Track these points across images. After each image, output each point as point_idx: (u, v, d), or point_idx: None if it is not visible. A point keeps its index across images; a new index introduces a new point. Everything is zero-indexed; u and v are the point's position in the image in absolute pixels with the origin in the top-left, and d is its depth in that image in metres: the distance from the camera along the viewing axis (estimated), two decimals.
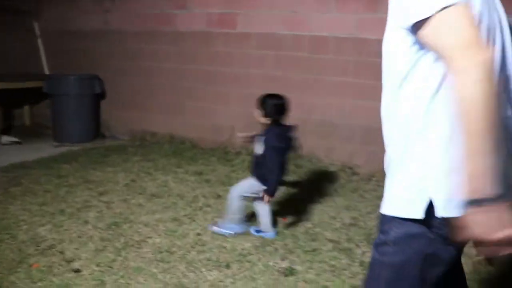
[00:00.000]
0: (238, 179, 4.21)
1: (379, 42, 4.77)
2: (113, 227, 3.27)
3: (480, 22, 1.15)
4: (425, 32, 1.13)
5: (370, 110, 4.59)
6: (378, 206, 3.80)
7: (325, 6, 4.64)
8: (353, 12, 4.55)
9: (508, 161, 1.19)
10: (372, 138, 4.59)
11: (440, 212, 1.19)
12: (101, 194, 3.88)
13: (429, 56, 1.18)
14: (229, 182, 4.17)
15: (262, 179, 3.10)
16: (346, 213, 3.67)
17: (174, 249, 3.00)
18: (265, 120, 3.13)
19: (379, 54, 4.84)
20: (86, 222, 3.33)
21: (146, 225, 3.33)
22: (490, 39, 1.20)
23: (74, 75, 5.71)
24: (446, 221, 1.18)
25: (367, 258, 2.95)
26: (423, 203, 1.21)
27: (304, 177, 4.44)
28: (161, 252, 2.94)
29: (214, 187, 4.13)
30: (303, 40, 4.79)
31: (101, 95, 6.00)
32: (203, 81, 5.37)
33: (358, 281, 2.69)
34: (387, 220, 1.31)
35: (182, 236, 3.18)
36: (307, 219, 3.54)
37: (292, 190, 4.08)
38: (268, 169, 3.06)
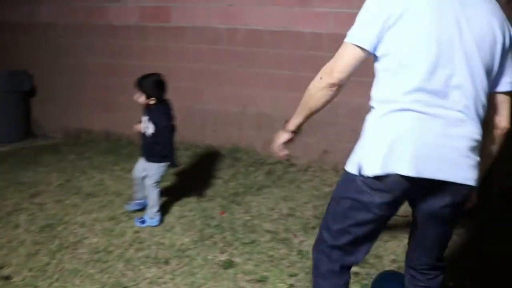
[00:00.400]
0: (175, 176, 4.22)
1: (312, 35, 4.93)
2: (47, 229, 3.17)
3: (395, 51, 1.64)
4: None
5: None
6: (315, 196, 3.96)
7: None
8: (287, 5, 4.62)
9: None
10: (309, 130, 4.68)
11: (364, 171, 1.65)
12: (33, 196, 3.74)
13: None
14: (166, 178, 4.14)
15: (158, 158, 3.21)
16: (283, 204, 3.75)
17: (111, 248, 2.96)
18: (149, 101, 3.20)
19: (312, 47, 4.98)
20: (17, 226, 3.21)
21: (82, 225, 3.25)
22: (417, 56, 1.60)
23: (0, 71, 5.43)
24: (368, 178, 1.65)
25: (304, 247, 3.05)
26: (356, 164, 1.70)
27: (242, 169, 4.49)
28: (98, 252, 2.89)
29: None
30: (238, 34, 4.82)
31: (31, 92, 5.75)
32: (137, 76, 5.26)
33: (297, 269, 2.78)
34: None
35: (120, 235, 3.14)
36: (245, 211, 3.59)
37: (230, 183, 4.12)
38: (166, 146, 3.21)
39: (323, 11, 4.52)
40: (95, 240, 3.05)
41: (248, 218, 3.47)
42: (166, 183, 4.05)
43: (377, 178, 1.63)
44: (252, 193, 3.95)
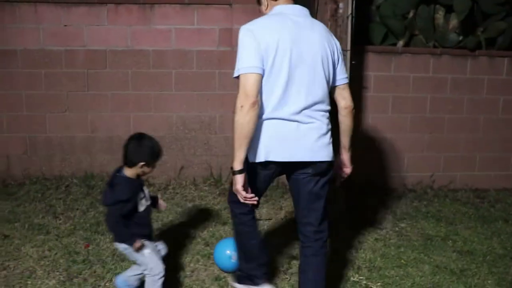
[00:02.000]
0: (26, 213, 3.84)
1: (154, 53, 4.92)
2: None
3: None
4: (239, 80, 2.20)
5: (155, 120, 4.67)
6: (180, 213, 3.96)
7: (98, 19, 4.51)
8: (127, 24, 4.54)
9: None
10: (164, 148, 4.68)
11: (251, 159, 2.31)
12: None
13: None
14: (16, 218, 3.75)
15: None
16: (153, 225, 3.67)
17: None
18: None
19: (156, 65, 4.99)
20: None
21: None
22: (278, 77, 2.21)
23: None
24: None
25: (182, 265, 3.03)
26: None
27: (99, 197, 4.26)
28: None
29: None
30: (77, 55, 4.57)
31: None
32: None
33: None
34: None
35: None
36: (111, 240, 3.42)
37: (89, 213, 3.89)
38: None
39: (164, 28, 4.55)
40: None
41: (114, 247, 3.32)
42: (16, 224, 3.66)
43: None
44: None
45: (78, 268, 3.01)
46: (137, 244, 2.45)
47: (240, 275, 2.77)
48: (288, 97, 2.23)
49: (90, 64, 4.59)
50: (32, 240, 3.39)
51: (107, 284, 2.84)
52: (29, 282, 2.85)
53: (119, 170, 2.58)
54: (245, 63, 2.16)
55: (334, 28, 3.52)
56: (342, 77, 2.45)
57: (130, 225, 2.48)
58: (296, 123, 2.26)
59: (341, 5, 3.51)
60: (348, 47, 3.59)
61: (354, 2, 3.58)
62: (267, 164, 2.30)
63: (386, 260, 3.18)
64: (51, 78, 4.60)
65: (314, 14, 3.58)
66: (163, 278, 2.50)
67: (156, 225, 3.69)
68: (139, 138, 2.55)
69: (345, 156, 2.63)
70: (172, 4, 4.54)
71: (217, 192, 4.47)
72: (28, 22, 4.51)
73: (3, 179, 4.54)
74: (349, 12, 3.55)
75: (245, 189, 2.26)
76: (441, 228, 3.76)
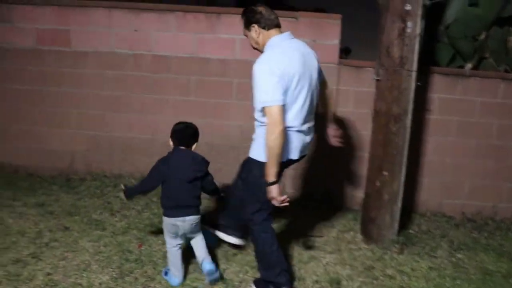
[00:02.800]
0: (85, 208, 4.00)
1: (218, 61, 5.00)
2: None
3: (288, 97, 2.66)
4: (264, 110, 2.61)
5: (214, 127, 4.75)
6: None
7: (166, 25, 4.66)
8: (194, 31, 4.65)
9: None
10: (216, 154, 4.75)
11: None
12: None
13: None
14: (76, 211, 3.92)
15: None
16: None
17: None
18: None
19: (219, 73, 5.07)
20: None
21: None
22: (297, 98, 2.71)
23: None
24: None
25: (228, 275, 3.07)
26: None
27: (154, 199, 4.37)
28: None
29: (59, 218, 3.81)
30: (144, 59, 4.73)
31: None
32: (33, 103, 4.93)
33: None
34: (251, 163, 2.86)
35: (28, 279, 2.89)
36: (163, 242, 3.49)
37: (144, 213, 3.99)
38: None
39: (229, 38, 4.62)
40: None
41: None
42: (76, 217, 3.83)
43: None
44: None
45: (130, 266, 3.10)
46: None
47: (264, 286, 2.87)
48: (304, 114, 2.77)
49: (155, 69, 4.74)
50: (90, 234, 3.53)
51: (156, 286, 2.90)
52: (84, 275, 2.96)
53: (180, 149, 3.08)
54: (271, 97, 2.55)
55: (401, 47, 3.45)
56: (322, 77, 3.08)
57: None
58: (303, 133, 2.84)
59: (409, 24, 3.43)
60: (414, 68, 3.50)
61: (423, 21, 3.50)
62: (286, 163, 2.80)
63: None
64: (117, 80, 4.79)
65: (381, 33, 3.52)
66: None
67: None
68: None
69: (333, 124, 3.29)
70: (238, 14, 4.59)
71: None
72: (101, 26, 4.73)
73: (67, 174, 4.77)
74: (418, 31, 3.47)
75: (280, 195, 2.63)
76: (503, 264, 3.55)
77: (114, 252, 3.28)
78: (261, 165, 2.67)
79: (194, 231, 2.97)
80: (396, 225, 3.67)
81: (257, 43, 2.82)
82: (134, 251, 3.32)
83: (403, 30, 3.45)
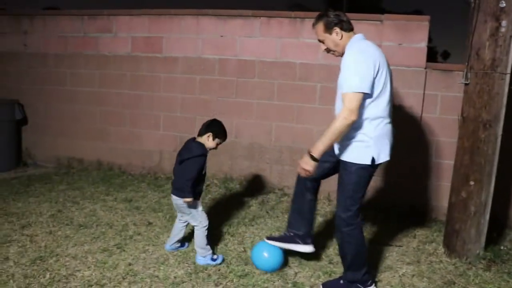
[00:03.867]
0: (169, 205, 4.20)
1: (302, 66, 5.02)
2: (38, 262, 3.13)
3: (376, 89, 2.67)
4: (345, 95, 2.62)
5: (295, 131, 4.76)
6: None
7: (251, 30, 4.78)
8: (278, 36, 4.71)
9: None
10: (298, 159, 4.74)
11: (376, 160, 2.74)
12: (23, 227, 3.69)
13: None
14: (160, 208, 4.14)
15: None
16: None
17: (104, 281, 2.92)
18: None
19: (302, 77, 5.08)
20: (7, 258, 3.16)
21: (74, 257, 3.21)
22: (384, 87, 2.69)
23: None
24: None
25: (299, 279, 3.04)
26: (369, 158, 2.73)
27: (234, 200, 4.48)
28: (90, 286, 2.85)
29: (144, 214, 4.07)
30: (229, 64, 4.89)
31: (23, 121, 5.74)
32: (129, 106, 5.30)
33: None
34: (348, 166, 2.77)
35: (113, 267, 3.10)
36: (239, 242, 3.58)
37: (222, 214, 4.11)
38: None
39: (313, 42, 4.61)
40: (87, 273, 3.01)
41: (241, 249, 3.46)
42: (160, 214, 4.04)
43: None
44: (245, 224, 3.94)
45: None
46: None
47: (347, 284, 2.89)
48: (390, 107, 2.78)
49: (240, 73, 4.87)
50: (170, 230, 3.69)
51: (228, 283, 2.96)
52: (161, 268, 3.11)
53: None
54: (359, 83, 2.57)
55: (493, 48, 3.21)
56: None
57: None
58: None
59: (503, 23, 3.19)
60: (508, 70, 3.24)
61: None
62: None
63: None
64: (204, 84, 4.99)
65: (471, 33, 3.31)
66: (207, 230, 3.23)
67: None
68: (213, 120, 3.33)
69: None
70: None
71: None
72: (190, 33, 4.97)
73: (155, 172, 5.06)
74: None
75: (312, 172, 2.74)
76: None
77: (191, 248, 3.41)
78: (358, 168, 2.71)
79: (181, 211, 3.27)
80: (483, 239, 3.40)
81: (337, 45, 2.84)
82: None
83: (496, 29, 3.21)
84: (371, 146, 2.68)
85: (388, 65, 2.80)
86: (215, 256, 3.24)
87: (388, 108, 2.74)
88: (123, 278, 2.96)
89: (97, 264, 3.13)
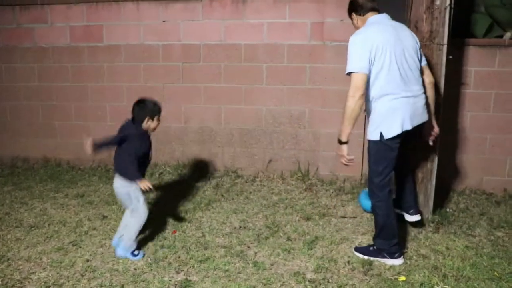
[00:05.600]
0: None
1: (247, 47, 5.00)
2: None
3: (378, 69, 2.87)
4: (351, 76, 2.89)
5: (245, 113, 4.77)
6: (264, 205, 4.00)
7: (193, 14, 4.70)
8: (220, 18, 4.67)
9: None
10: (250, 140, 4.78)
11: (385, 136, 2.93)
12: None
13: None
14: (114, 201, 4.06)
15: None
16: (234, 217, 3.78)
17: (62, 280, 2.85)
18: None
19: (247, 58, 5.07)
20: None
21: (27, 260, 3.11)
22: (384, 66, 2.87)
23: None
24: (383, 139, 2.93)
25: (260, 258, 3.09)
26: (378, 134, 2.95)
27: (189, 186, 4.47)
28: (48, 287, 2.78)
29: (98, 208, 3.98)
30: (173, 49, 4.81)
31: None
32: (73, 98, 5.12)
33: (254, 281, 2.81)
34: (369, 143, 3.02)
35: (70, 266, 3.03)
36: (196, 227, 3.58)
37: (177, 201, 4.09)
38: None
39: (257, 22, 4.61)
40: (43, 274, 2.93)
41: (200, 234, 3.47)
42: (114, 206, 3.97)
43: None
44: (201, 209, 3.94)
45: (164, 252, 3.19)
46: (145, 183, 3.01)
47: (376, 251, 3.09)
48: (403, 82, 2.91)
49: (185, 58, 4.80)
50: None
51: (189, 269, 2.97)
52: (120, 261, 3.07)
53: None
54: (357, 64, 2.83)
55: (430, 21, 3.34)
56: (424, 60, 3.14)
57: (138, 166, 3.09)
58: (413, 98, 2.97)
59: None
60: (445, 41, 3.37)
61: None
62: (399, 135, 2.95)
63: (476, 270, 2.95)
64: (149, 71, 4.89)
65: (408, 7, 3.41)
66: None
67: (240, 216, 3.79)
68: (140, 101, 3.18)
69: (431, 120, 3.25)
70: None
71: (304, 187, 4.47)
72: (131, 19, 4.83)
73: (106, 164, 4.94)
74: (447, 3, 3.33)
75: (348, 155, 2.97)
76: None
77: (149, 239, 3.38)
78: (372, 143, 2.98)
79: (120, 198, 3.19)
80: (431, 204, 3.57)
81: (357, 28, 3.10)
82: (168, 237, 3.42)
83: (431, 3, 3.33)
84: (378, 123, 2.92)
85: (412, 46, 2.97)
86: (136, 252, 3.14)
87: (401, 83, 2.89)
88: (82, 276, 2.91)
89: (53, 264, 3.05)
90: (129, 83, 4.94)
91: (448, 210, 3.88)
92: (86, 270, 2.97)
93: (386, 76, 2.87)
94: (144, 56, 4.87)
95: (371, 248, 3.12)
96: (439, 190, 3.69)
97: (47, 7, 5.02)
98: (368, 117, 3.04)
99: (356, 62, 2.85)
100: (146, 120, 3.12)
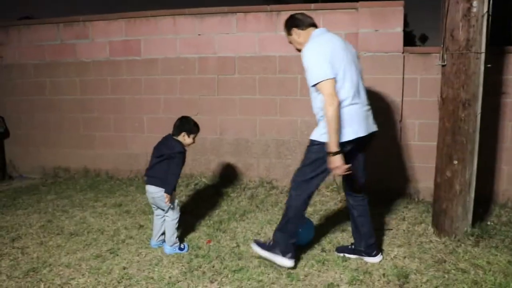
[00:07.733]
0: None
1: (281, 58, 5.04)
2: (31, 273, 3.11)
3: (337, 74, 2.83)
4: (318, 86, 2.81)
5: (280, 124, 4.79)
6: None
7: (228, 27, 4.78)
8: (255, 31, 4.73)
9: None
10: (285, 151, 4.79)
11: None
12: (13, 240, 3.67)
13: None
14: (150, 210, 4.13)
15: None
16: (269, 228, 3.78)
17: (99, 287, 2.92)
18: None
19: (282, 70, 5.11)
20: None
21: (67, 266, 3.20)
22: (345, 74, 2.86)
23: None
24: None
25: (294, 269, 3.07)
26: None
27: (224, 197, 4.50)
28: None
29: (135, 217, 4.07)
30: (209, 62, 4.89)
31: (5, 134, 5.68)
32: (112, 110, 5.28)
33: None
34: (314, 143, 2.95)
35: (107, 273, 3.10)
36: (231, 238, 3.60)
37: (212, 211, 4.12)
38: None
39: None
40: (82, 280, 3.01)
41: (234, 244, 3.49)
42: (150, 216, 4.04)
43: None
44: (236, 219, 3.96)
45: (199, 261, 3.21)
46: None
47: (271, 246, 3.11)
48: (355, 89, 2.90)
49: (221, 70, 4.87)
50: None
51: (223, 279, 2.99)
52: (156, 269, 3.12)
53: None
54: (321, 72, 2.78)
55: (467, 29, 3.27)
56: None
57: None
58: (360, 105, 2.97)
59: (475, 3, 3.24)
60: (483, 49, 3.30)
61: None
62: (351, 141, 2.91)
63: None
64: (185, 83, 4.99)
65: (444, 15, 3.37)
66: (178, 222, 3.42)
67: (275, 227, 3.78)
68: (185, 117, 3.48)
69: None
70: (298, 11, 4.61)
71: (339, 198, 4.43)
72: (167, 33, 4.96)
73: (142, 175, 5.04)
74: (485, 10, 3.27)
75: (343, 164, 2.83)
76: None
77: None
78: (321, 145, 2.90)
79: (156, 203, 3.37)
80: (469, 217, 3.47)
81: (299, 43, 3.06)
82: (203, 247, 3.45)
83: (468, 10, 3.27)
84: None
85: (355, 55, 3.03)
86: (182, 246, 3.41)
87: (355, 90, 2.89)
88: (119, 282, 2.97)
89: (91, 271, 3.13)
90: (165, 95, 5.06)
91: (489, 223, 3.76)
92: (122, 278, 3.03)
93: (342, 82, 2.84)
94: (181, 69, 4.98)
95: (268, 243, 3.16)
96: (478, 202, 3.59)
97: (88, 23, 5.22)
98: (318, 118, 2.96)
99: (319, 70, 2.79)
100: (183, 134, 3.39)
